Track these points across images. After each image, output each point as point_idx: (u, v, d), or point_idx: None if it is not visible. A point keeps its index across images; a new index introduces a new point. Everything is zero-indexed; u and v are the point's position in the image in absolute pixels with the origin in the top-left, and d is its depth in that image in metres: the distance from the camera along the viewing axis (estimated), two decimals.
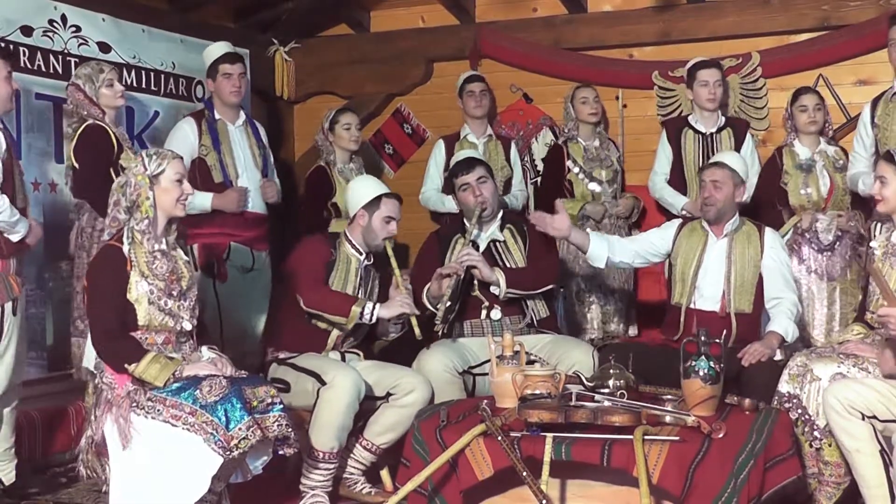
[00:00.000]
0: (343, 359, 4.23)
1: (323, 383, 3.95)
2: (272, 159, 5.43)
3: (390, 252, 4.26)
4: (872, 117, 4.80)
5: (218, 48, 5.23)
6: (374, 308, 4.10)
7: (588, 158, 5.52)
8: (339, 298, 4.15)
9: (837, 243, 4.96)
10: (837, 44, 5.51)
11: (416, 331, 4.15)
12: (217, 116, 5.15)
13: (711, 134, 5.33)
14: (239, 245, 5.11)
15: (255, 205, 5.14)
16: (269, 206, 5.28)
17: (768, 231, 4.45)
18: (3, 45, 4.66)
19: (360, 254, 4.30)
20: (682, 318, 4.34)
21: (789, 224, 4.98)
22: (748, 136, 5.37)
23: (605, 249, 4.43)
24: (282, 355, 4.22)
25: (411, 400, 4.03)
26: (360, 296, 4.21)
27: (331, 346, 4.23)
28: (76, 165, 4.53)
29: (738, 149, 5.25)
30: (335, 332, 4.23)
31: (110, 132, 4.56)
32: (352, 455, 4.15)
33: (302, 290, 4.15)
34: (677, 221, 4.59)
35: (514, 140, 5.98)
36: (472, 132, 5.77)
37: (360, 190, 4.36)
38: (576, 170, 5.50)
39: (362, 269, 4.29)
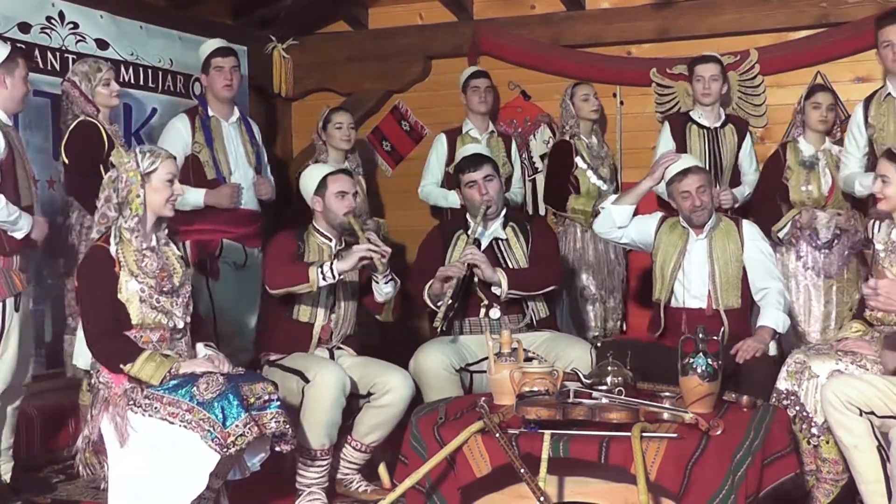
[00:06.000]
0: (332, 355, 4.21)
1: (307, 381, 3.94)
2: (266, 156, 5.44)
3: (356, 225, 4.17)
4: (865, 117, 4.79)
5: (212, 43, 5.25)
6: (332, 264, 4.02)
7: (592, 155, 5.53)
8: (295, 267, 4.07)
9: (836, 241, 4.96)
10: (836, 41, 5.50)
11: (379, 267, 4.06)
12: (210, 113, 5.15)
13: (715, 129, 5.32)
14: (231, 242, 5.10)
15: (248, 201, 5.15)
16: (263, 203, 5.28)
17: (746, 223, 4.44)
18: (21, 45, 4.63)
19: (331, 240, 4.25)
20: (661, 315, 4.34)
21: (787, 217, 4.98)
22: (748, 134, 5.38)
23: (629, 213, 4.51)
24: (272, 357, 4.20)
25: (388, 401, 4.02)
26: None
27: (316, 342, 4.21)
28: (66, 162, 4.54)
29: (739, 145, 5.28)
30: (318, 325, 4.20)
31: (102, 129, 4.55)
32: (343, 455, 4.15)
33: (265, 279, 4.14)
34: (658, 215, 4.58)
35: (513, 136, 5.98)
36: (474, 127, 5.76)
37: (306, 180, 4.32)
38: (583, 165, 5.51)
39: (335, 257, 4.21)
